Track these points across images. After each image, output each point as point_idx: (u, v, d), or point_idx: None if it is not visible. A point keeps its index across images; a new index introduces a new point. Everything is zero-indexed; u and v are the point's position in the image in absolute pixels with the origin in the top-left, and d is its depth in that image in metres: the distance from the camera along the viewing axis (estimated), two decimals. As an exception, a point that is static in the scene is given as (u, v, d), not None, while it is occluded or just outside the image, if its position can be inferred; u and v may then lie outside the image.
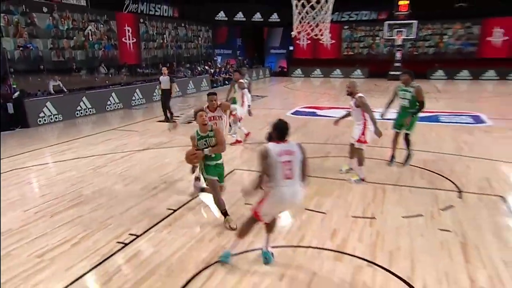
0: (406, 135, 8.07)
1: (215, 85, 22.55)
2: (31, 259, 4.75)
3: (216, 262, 4.59)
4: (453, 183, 7.31)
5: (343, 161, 8.19)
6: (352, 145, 7.68)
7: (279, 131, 4.23)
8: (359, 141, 7.39)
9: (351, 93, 7.36)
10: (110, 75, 17.28)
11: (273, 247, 4.96)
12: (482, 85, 24.48)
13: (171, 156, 9.09)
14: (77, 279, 4.32)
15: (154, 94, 17.07)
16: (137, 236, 5.24)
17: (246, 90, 10.43)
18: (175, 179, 7.60)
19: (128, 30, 19.69)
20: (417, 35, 26.91)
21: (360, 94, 7.34)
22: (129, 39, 19.76)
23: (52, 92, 13.51)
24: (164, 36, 22.93)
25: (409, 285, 4.21)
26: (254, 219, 4.36)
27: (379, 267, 4.53)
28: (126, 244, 5.05)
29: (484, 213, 6.05)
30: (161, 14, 22.74)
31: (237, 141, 10.32)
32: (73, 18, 16.67)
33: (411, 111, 7.87)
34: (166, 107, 12.87)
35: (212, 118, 6.88)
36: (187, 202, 6.39)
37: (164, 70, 13.01)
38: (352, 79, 8.28)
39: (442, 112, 14.87)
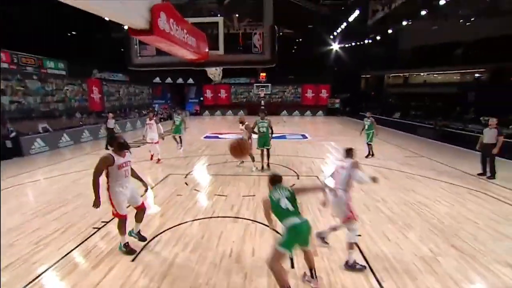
0: (268, 150, 7.83)
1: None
2: (30, 245, 4.02)
3: (158, 234, 4.32)
4: (294, 171, 7.78)
5: (236, 164, 8.28)
6: None
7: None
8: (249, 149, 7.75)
9: (242, 122, 7.80)
10: (83, 119, 15.23)
11: (197, 219, 4.84)
12: (304, 118, 26.75)
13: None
14: (66, 254, 3.80)
15: (114, 128, 15.23)
16: (107, 222, 4.69)
17: (159, 124, 9.19)
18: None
19: (95, 90, 17.58)
20: (271, 91, 28.57)
21: (246, 123, 7.80)
22: (96, 95, 17.65)
23: (41, 131, 11.53)
24: (120, 92, 21.03)
25: (276, 231, 4.41)
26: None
27: (258, 223, 4.68)
28: (99, 228, 4.50)
29: (310, 185, 6.60)
30: (118, 79, 20.91)
31: (158, 160, 8.86)
32: (56, 82, 14.58)
33: (268, 135, 7.72)
34: (111, 139, 10.95)
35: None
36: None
37: (109, 115, 11.40)
38: (240, 115, 8.59)
39: (287, 133, 15.67)
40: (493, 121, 6.97)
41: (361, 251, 3.80)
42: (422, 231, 4.37)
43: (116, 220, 3.81)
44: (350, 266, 3.42)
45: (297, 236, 2.79)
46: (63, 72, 15.11)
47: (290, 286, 2.76)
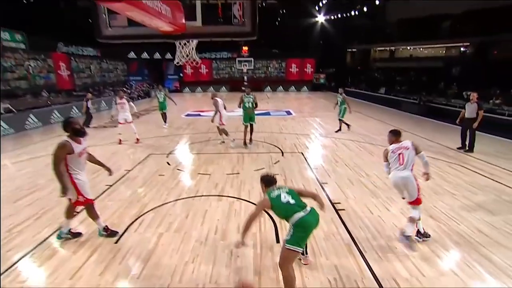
0: (251, 125, 8.02)
1: (131, 100, 20.40)
2: (2, 233, 3.89)
3: (140, 216, 4.33)
4: (279, 148, 7.90)
5: (218, 138, 8.30)
6: (217, 127, 8.13)
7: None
8: (220, 124, 7.93)
9: (212, 98, 7.90)
10: (51, 98, 14.38)
11: (180, 199, 4.88)
12: (289, 94, 26.70)
13: (103, 151, 7.97)
14: (43, 241, 3.74)
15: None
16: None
17: (131, 102, 9.04)
18: (109, 165, 6.75)
19: (62, 65, 16.46)
20: (254, 67, 28.06)
21: (215, 98, 7.87)
22: (64, 72, 16.56)
23: (3, 112, 10.89)
24: (91, 68, 19.77)
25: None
26: None
27: (243, 200, 4.79)
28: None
29: (294, 162, 6.72)
30: (87, 54, 19.59)
31: (137, 140, 8.73)
32: (14, 57, 13.43)
33: (254, 110, 7.87)
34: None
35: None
36: (120, 179, 5.82)
37: (89, 95, 11.50)
38: (215, 92, 8.79)
39: (270, 109, 15.71)
40: (474, 95, 7.26)
41: (344, 225, 4.01)
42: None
43: (95, 204, 3.75)
44: (405, 236, 3.61)
45: (306, 230, 2.65)
46: (22, 46, 13.97)
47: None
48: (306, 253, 3.18)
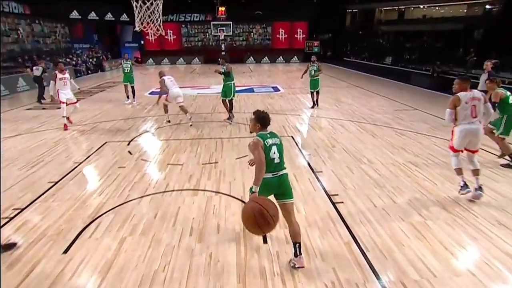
0: (230, 100, 8.55)
1: (79, 74, 19.48)
2: None
3: (97, 218, 4.23)
4: (265, 132, 7.95)
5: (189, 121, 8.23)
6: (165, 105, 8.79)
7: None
8: (165, 99, 8.57)
9: (160, 76, 8.47)
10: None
11: (147, 195, 4.82)
12: (276, 66, 26.54)
13: (45, 138, 7.67)
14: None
15: (18, 85, 13.91)
16: (22, 209, 4.45)
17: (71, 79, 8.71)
18: (53, 156, 6.56)
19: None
20: (233, 32, 27.59)
21: (162, 78, 8.34)
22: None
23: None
24: (20, 32, 18.34)
25: (243, 201, 4.56)
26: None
27: (223, 194, 4.79)
28: (12, 218, 4.25)
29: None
30: (11, 11, 17.75)
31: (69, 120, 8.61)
32: None
33: (228, 82, 8.41)
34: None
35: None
36: (67, 174, 5.62)
37: (42, 62, 12.73)
38: (163, 69, 8.80)
39: (254, 85, 15.66)
40: (487, 64, 7.29)
41: (343, 220, 4.09)
42: (411, 194, 4.76)
43: (35, 206, 3.59)
44: (479, 189, 4.42)
45: (266, 189, 3.05)
46: None
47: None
48: (300, 253, 3.15)
